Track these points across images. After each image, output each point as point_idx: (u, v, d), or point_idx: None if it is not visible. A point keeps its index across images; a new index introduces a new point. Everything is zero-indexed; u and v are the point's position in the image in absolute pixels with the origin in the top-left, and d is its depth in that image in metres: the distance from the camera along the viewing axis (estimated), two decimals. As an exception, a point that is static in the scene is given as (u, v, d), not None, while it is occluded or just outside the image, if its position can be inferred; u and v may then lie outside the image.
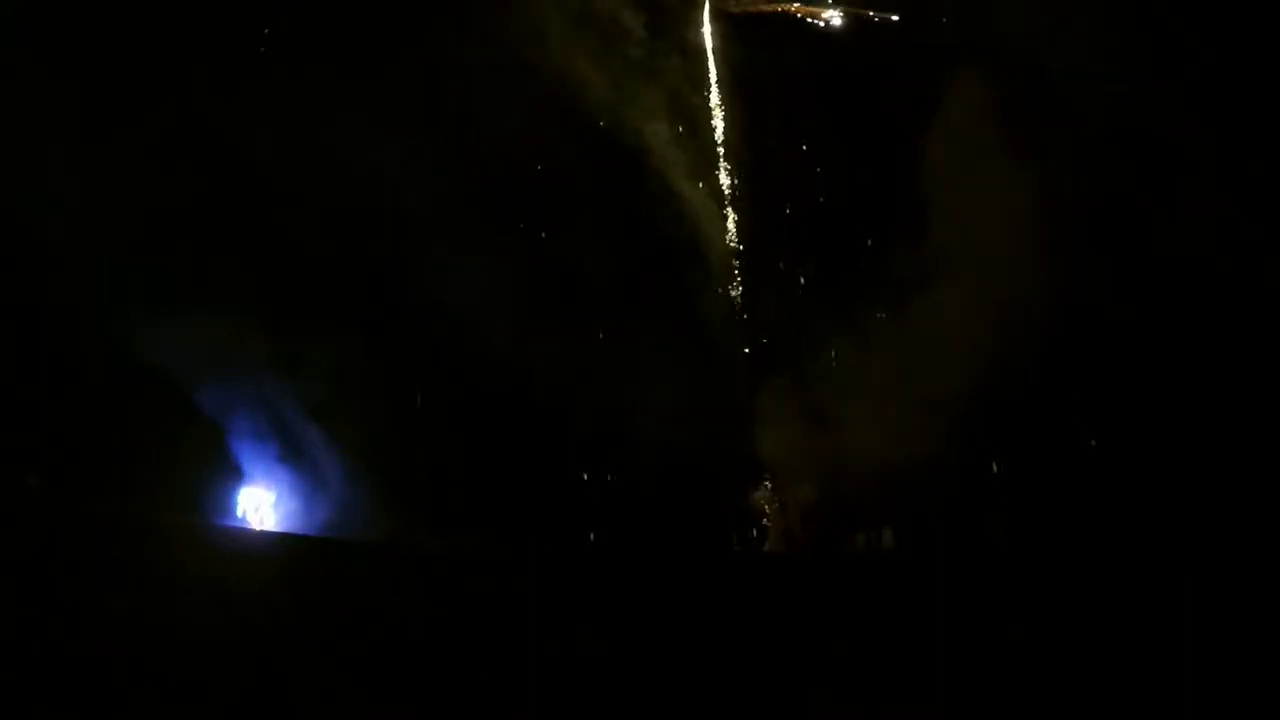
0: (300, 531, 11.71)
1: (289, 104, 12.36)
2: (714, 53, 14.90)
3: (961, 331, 12.52)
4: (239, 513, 11.84)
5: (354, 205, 12.54)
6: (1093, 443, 12.32)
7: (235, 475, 11.85)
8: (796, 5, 15.19)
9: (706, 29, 14.95)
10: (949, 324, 12.69)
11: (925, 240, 12.97)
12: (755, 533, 13.72)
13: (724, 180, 14.61)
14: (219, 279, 11.99)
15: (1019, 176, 12.46)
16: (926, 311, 13.01)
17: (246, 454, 11.89)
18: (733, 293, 14.38)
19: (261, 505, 11.93)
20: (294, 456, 11.99)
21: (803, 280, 14.27)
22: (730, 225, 14.50)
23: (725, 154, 14.73)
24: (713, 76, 14.75)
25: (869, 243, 14.16)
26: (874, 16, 15.04)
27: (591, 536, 12.45)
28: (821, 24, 15.14)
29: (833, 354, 13.66)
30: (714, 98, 14.72)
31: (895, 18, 15.06)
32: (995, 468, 12.66)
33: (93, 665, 6.62)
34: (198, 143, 12.28)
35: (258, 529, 11.63)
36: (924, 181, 13.23)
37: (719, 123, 14.70)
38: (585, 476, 12.90)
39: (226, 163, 12.20)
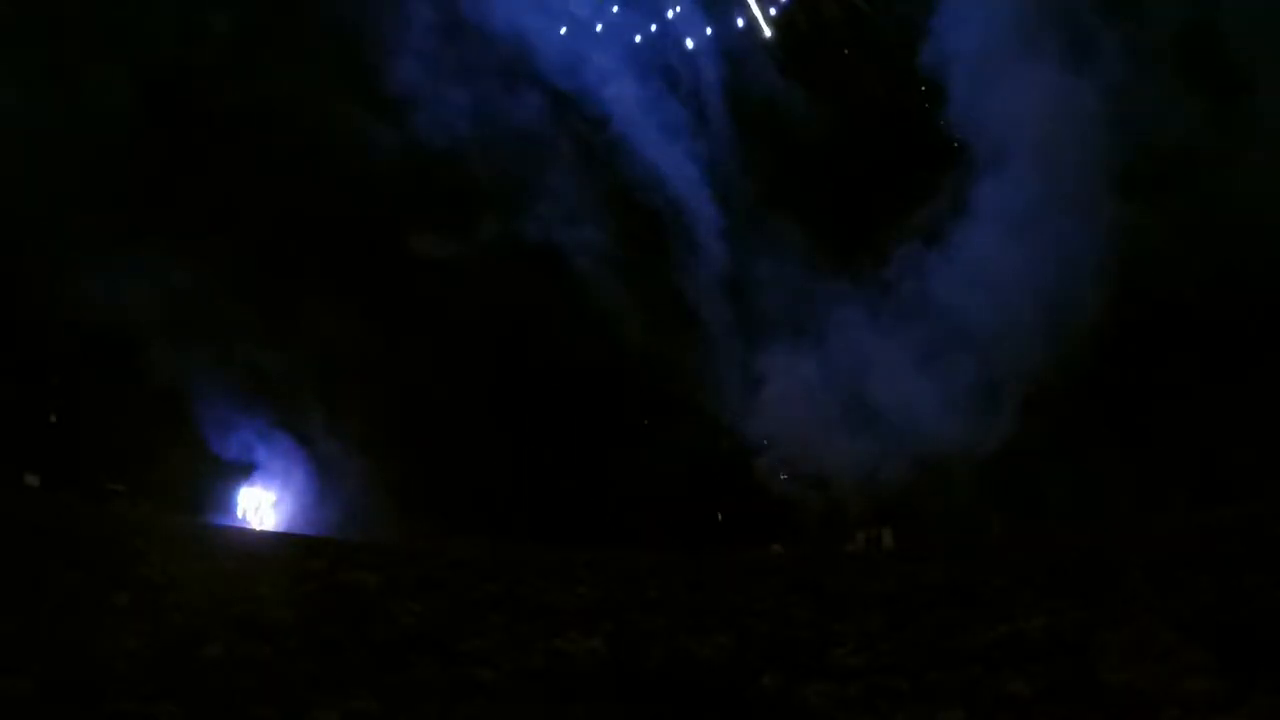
0: (300, 531, 11.72)
1: (284, 99, 12.34)
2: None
3: (963, 328, 12.49)
4: (239, 513, 11.84)
5: (351, 196, 12.51)
6: (1093, 441, 12.31)
7: (235, 475, 11.86)
8: None
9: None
10: (951, 320, 12.65)
11: (929, 234, 12.87)
12: (755, 532, 13.72)
13: (721, 158, 14.39)
14: (221, 278, 11.99)
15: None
16: (927, 308, 12.95)
17: (247, 453, 11.89)
18: (730, 288, 14.31)
19: (261, 505, 11.93)
20: (295, 456, 11.99)
21: (802, 276, 14.14)
22: (729, 212, 14.36)
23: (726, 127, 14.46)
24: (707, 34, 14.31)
25: (872, 238, 13.97)
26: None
27: (590, 536, 12.44)
28: None
29: (832, 350, 13.61)
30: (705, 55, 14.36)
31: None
32: (996, 467, 12.64)
33: (93, 665, 6.61)
34: (200, 136, 12.25)
35: (258, 529, 11.64)
36: (927, 168, 13.12)
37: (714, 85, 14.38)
38: (584, 475, 12.89)
39: (225, 155, 12.18)
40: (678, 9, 13.64)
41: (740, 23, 14.17)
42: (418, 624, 8.01)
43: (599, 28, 13.26)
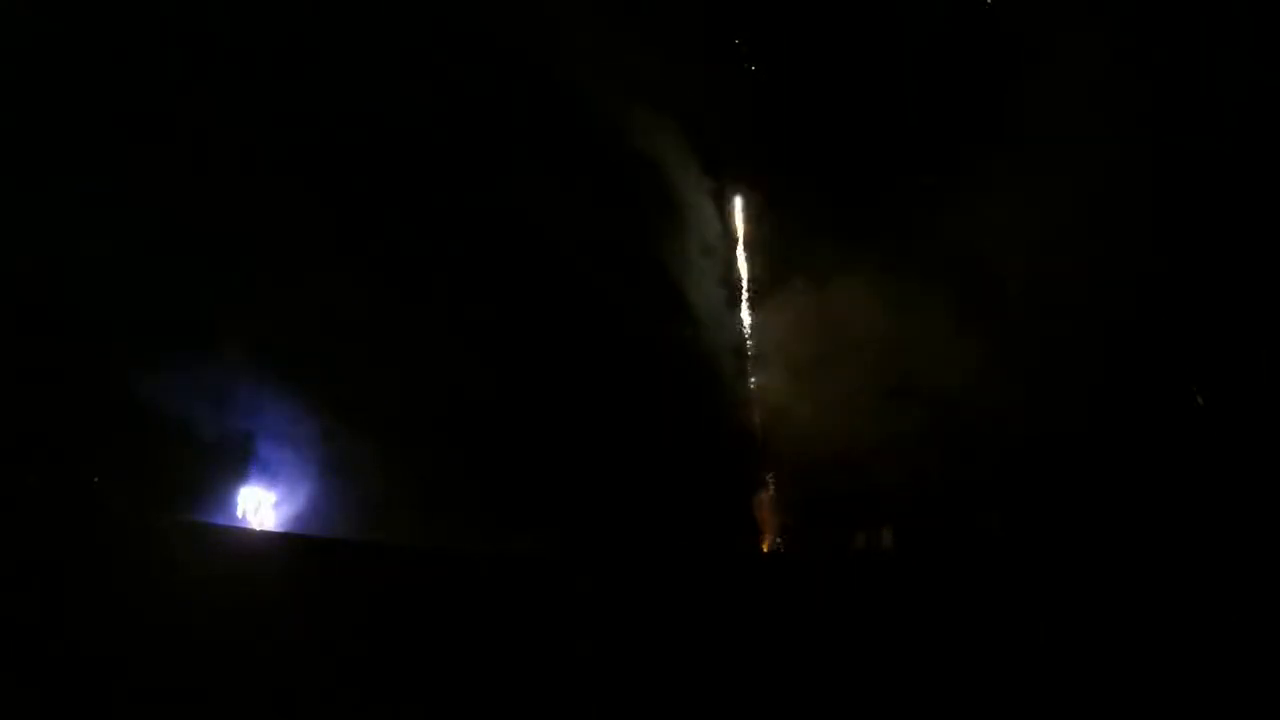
0: (300, 531, 11.72)
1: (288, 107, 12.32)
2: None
3: (966, 327, 12.41)
4: (239, 513, 11.84)
5: (351, 196, 12.47)
6: (1093, 441, 12.26)
7: (235, 475, 11.86)
8: None
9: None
10: (954, 317, 12.54)
11: (937, 228, 12.57)
12: (753, 531, 13.70)
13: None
14: (222, 277, 11.96)
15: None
16: (932, 305, 12.79)
17: (248, 454, 11.89)
18: (727, 278, 14.13)
19: (261, 505, 11.93)
20: (295, 456, 11.99)
21: (800, 266, 13.82)
22: (722, 197, 14.06)
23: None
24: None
25: (876, 229, 13.53)
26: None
27: (588, 536, 12.42)
28: None
29: (832, 345, 13.45)
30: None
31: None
32: (995, 467, 12.59)
33: (93, 665, 6.62)
34: (201, 143, 12.21)
35: (258, 529, 11.63)
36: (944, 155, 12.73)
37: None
38: (581, 475, 12.84)
39: (229, 155, 12.12)
40: None
41: None
42: (419, 624, 8.03)
43: None
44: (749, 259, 14.20)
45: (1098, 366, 11.96)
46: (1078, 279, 11.96)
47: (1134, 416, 11.79)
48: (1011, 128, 12.30)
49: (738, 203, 14.26)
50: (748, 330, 14.20)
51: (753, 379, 14.05)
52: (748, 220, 14.26)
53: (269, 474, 11.99)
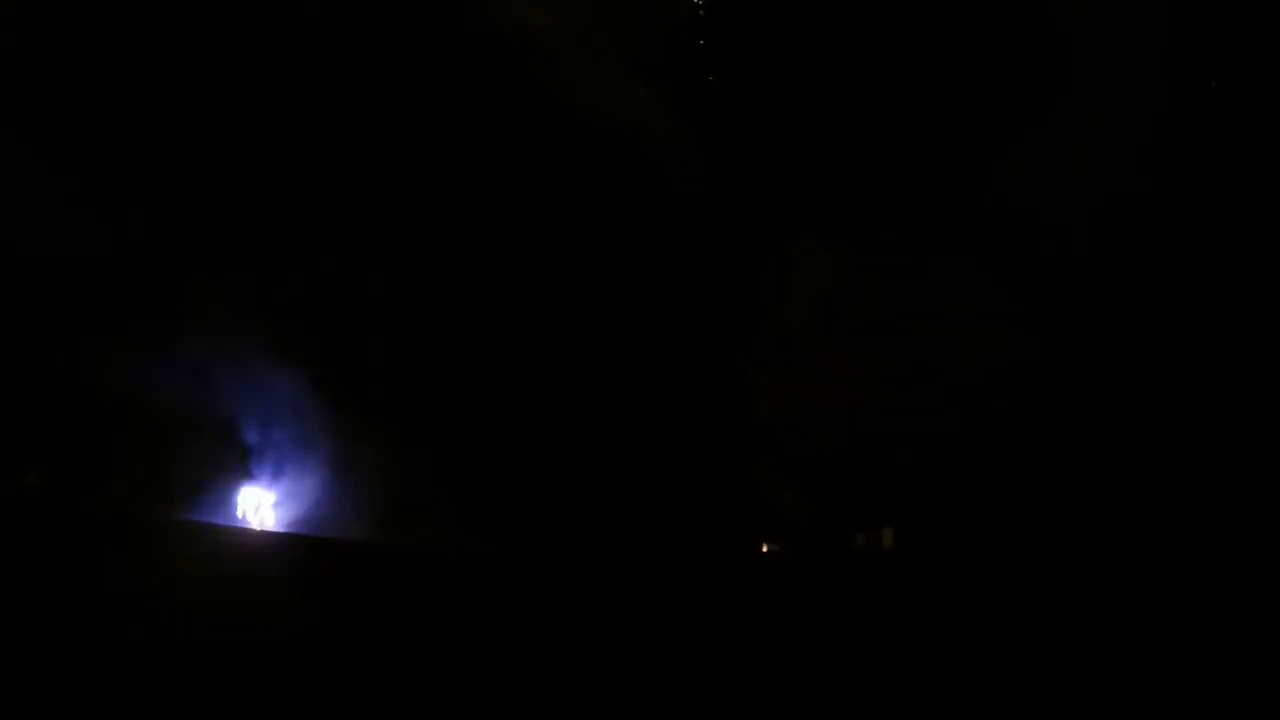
0: (300, 531, 11.71)
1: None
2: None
3: (968, 322, 12.34)
4: (239, 513, 11.83)
5: (347, 195, 12.44)
6: (1093, 441, 12.21)
7: (235, 475, 11.84)
8: None
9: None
10: (957, 313, 12.45)
11: (944, 214, 12.33)
12: (752, 530, 13.68)
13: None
14: (221, 273, 11.95)
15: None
16: (933, 297, 12.64)
17: (248, 453, 11.88)
18: (722, 269, 14.02)
19: (261, 505, 11.92)
20: (296, 456, 11.97)
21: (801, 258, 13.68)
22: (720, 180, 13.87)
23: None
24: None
25: (876, 218, 13.22)
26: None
27: (588, 534, 12.41)
28: None
29: (832, 340, 13.35)
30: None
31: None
32: (995, 467, 12.54)
33: (93, 665, 6.62)
34: (200, 127, 12.16)
35: (258, 529, 11.62)
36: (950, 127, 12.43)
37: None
38: (578, 472, 12.82)
39: (229, 149, 12.10)
40: None
41: None
42: (418, 624, 8.02)
43: None
44: (748, 239, 14.10)
45: (1128, 354, 11.66)
46: (1111, 258, 11.65)
47: (1164, 412, 11.58)
48: (1041, 87, 11.90)
49: (736, 179, 14.09)
50: (746, 317, 14.09)
51: (752, 369, 14.00)
52: (745, 195, 14.13)
53: (270, 473, 11.99)
